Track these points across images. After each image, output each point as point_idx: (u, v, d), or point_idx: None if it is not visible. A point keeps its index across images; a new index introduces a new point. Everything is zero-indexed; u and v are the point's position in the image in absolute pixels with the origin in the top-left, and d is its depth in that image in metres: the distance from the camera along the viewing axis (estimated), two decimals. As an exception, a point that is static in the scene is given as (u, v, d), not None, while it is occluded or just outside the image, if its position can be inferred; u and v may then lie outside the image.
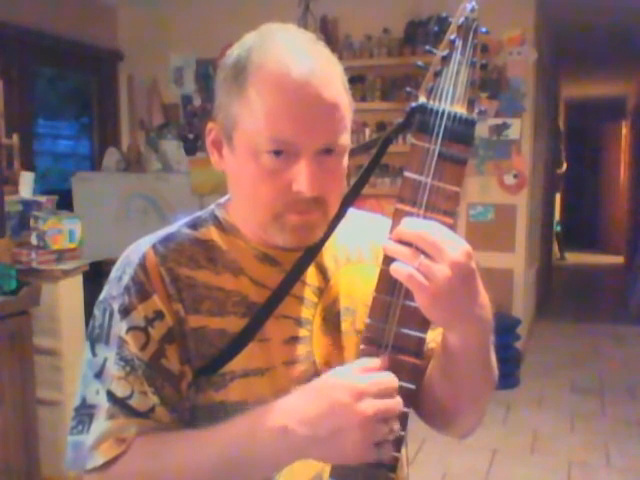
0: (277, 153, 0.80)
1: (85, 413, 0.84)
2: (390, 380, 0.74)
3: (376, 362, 0.76)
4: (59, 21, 4.53)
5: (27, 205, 3.14)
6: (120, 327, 0.84)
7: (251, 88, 0.81)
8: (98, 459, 0.81)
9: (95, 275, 3.09)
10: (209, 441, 0.78)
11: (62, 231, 3.03)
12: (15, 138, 3.41)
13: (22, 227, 3.08)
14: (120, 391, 0.83)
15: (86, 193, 4.14)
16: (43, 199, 3.24)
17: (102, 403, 0.83)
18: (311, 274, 0.91)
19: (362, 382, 0.73)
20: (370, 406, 0.71)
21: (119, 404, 0.82)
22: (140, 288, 0.84)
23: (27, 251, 2.93)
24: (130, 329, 0.83)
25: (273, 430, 0.74)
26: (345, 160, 0.86)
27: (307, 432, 0.72)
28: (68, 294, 2.94)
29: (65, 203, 3.71)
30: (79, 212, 3.68)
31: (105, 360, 0.84)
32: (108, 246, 3.03)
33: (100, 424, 0.82)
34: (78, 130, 5.57)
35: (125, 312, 0.84)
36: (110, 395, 0.83)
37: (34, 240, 2.97)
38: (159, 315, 0.84)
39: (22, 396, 2.66)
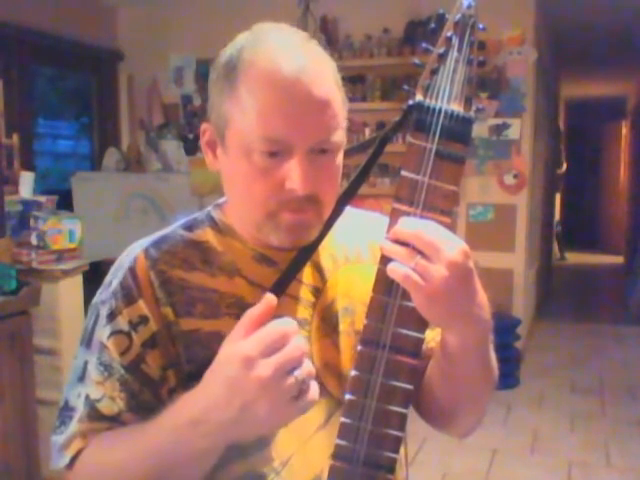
0: (269, 152, 0.80)
1: (67, 415, 0.86)
2: (276, 329, 0.70)
3: (257, 310, 0.71)
4: (59, 21, 4.53)
5: (27, 205, 3.14)
6: (103, 332, 0.85)
7: (242, 86, 0.80)
8: (66, 458, 0.84)
9: (95, 275, 3.08)
10: (143, 438, 0.79)
11: (62, 231, 3.02)
12: (15, 138, 3.41)
13: (22, 227, 3.08)
14: (94, 395, 0.84)
15: (86, 193, 4.14)
16: (43, 199, 3.23)
17: (79, 406, 0.85)
18: (308, 274, 0.91)
19: (246, 347, 0.69)
20: (264, 368, 0.68)
21: (90, 407, 0.84)
22: (127, 293, 0.85)
23: (27, 251, 2.93)
24: (113, 333, 0.84)
25: (184, 425, 0.73)
26: (340, 158, 0.85)
27: (216, 417, 0.71)
28: (68, 294, 2.94)
29: (65, 203, 3.71)
30: (79, 212, 3.69)
31: (85, 363, 0.86)
32: (108, 246, 3.02)
33: (73, 425, 0.85)
34: (78, 130, 5.57)
35: (111, 316, 0.85)
36: (87, 399, 0.85)
37: (34, 240, 2.97)
38: (144, 320, 0.84)
39: (22, 396, 2.66)
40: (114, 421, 0.84)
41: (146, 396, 0.85)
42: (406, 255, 0.72)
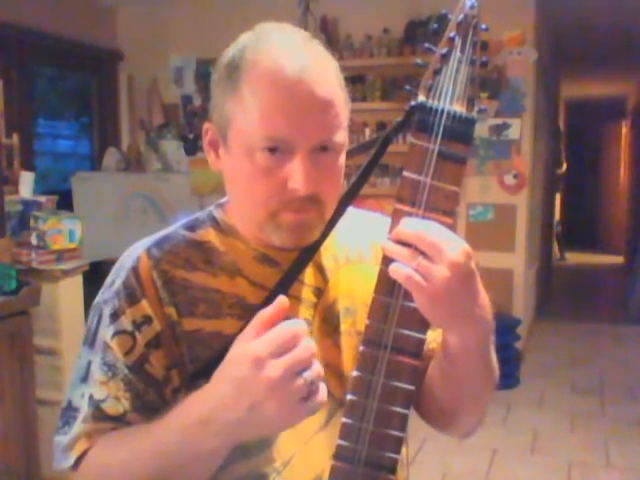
0: (271, 150, 0.80)
1: (70, 415, 0.86)
2: (287, 330, 0.70)
3: (268, 311, 0.71)
4: (59, 21, 4.53)
5: (27, 205, 3.14)
6: (107, 332, 0.85)
7: (244, 86, 0.80)
8: (71, 458, 0.84)
9: (95, 275, 3.09)
10: (148, 439, 0.78)
11: (62, 231, 3.02)
12: (15, 138, 3.41)
13: (22, 227, 3.08)
14: (98, 395, 0.84)
15: (86, 193, 4.14)
16: (43, 199, 3.23)
17: (83, 406, 0.85)
18: (310, 274, 0.91)
19: (256, 347, 0.69)
20: (273, 369, 0.68)
21: (94, 407, 0.84)
22: (130, 293, 0.85)
23: (27, 251, 2.93)
24: (117, 333, 0.84)
25: (192, 425, 0.73)
26: (342, 158, 0.85)
27: (225, 417, 0.71)
28: (68, 294, 2.94)
29: (65, 203, 3.70)
30: (79, 212, 3.68)
31: (89, 363, 0.86)
32: (108, 246, 3.02)
33: (77, 426, 0.85)
34: (78, 130, 5.56)
35: (114, 316, 0.85)
36: (91, 399, 0.85)
37: (34, 240, 2.97)
38: (147, 320, 0.84)
39: (22, 396, 2.66)
40: (119, 421, 0.84)
41: (150, 396, 0.84)
42: (408, 256, 0.71)
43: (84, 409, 0.85)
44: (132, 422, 0.84)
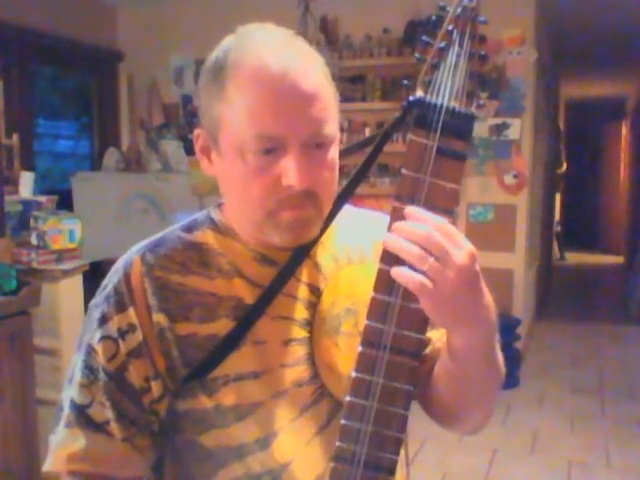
0: (263, 149, 0.79)
1: (59, 415, 0.87)
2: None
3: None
4: (59, 21, 4.53)
5: (27, 205, 3.14)
6: (93, 335, 0.85)
7: (230, 86, 0.80)
8: (47, 465, 0.85)
9: (95, 275, 3.08)
10: None
11: (62, 231, 3.02)
12: (15, 138, 3.41)
13: (22, 227, 3.08)
14: (80, 399, 0.84)
15: (86, 193, 4.14)
16: (43, 199, 3.23)
17: (65, 408, 0.86)
18: (309, 274, 0.90)
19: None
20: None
21: (77, 411, 0.84)
22: (119, 299, 0.85)
23: (27, 251, 2.93)
24: (103, 338, 0.84)
25: None
26: (334, 152, 0.85)
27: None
28: (68, 294, 2.93)
29: (65, 203, 3.70)
30: (79, 212, 3.68)
31: (75, 365, 0.86)
32: (108, 246, 3.02)
33: (60, 429, 0.85)
34: (78, 130, 5.56)
35: (102, 321, 0.85)
36: (72, 401, 0.85)
37: (34, 240, 2.97)
38: (132, 328, 0.84)
39: (22, 396, 2.65)
40: (100, 429, 0.84)
41: (126, 405, 0.84)
42: (419, 257, 0.69)
43: (66, 411, 0.85)
44: (113, 431, 0.83)
